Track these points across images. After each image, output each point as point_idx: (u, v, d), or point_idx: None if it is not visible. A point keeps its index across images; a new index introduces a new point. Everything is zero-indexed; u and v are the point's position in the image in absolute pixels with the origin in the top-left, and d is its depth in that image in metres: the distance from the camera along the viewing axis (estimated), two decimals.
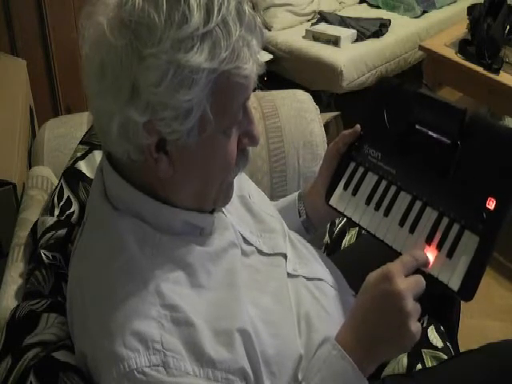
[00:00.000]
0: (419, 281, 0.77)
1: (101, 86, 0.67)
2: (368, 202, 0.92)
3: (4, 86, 1.76)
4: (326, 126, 2.34)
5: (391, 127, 0.92)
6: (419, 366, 0.98)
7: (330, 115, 2.53)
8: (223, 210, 0.83)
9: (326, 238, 1.22)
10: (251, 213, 0.90)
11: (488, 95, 2.23)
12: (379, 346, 0.77)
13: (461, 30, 2.41)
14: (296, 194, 1.05)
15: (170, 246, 0.73)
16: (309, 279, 0.87)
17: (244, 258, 0.81)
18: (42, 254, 0.93)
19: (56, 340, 0.80)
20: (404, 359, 0.98)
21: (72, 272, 0.80)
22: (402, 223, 0.87)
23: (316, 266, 0.92)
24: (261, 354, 0.73)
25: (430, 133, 0.87)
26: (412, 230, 0.86)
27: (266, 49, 2.80)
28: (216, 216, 0.80)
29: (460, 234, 0.81)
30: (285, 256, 0.87)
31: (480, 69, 2.17)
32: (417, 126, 0.88)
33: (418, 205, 0.86)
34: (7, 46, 2.08)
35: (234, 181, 0.81)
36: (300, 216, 1.02)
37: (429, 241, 0.83)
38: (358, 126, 0.96)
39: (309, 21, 2.97)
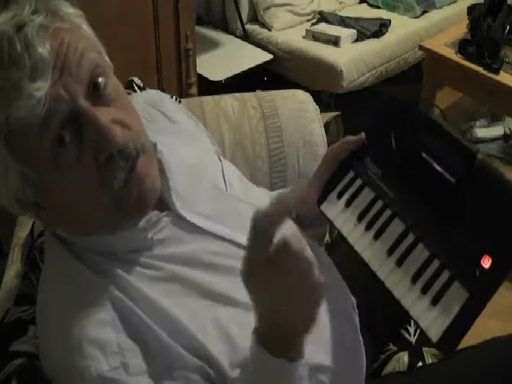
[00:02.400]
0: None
1: None
2: (360, 218, 0.87)
3: None
4: (326, 126, 2.33)
5: (397, 148, 0.87)
6: (420, 365, 0.98)
7: (330, 115, 2.53)
8: (185, 215, 0.78)
9: (327, 238, 1.22)
10: (227, 204, 0.86)
11: (488, 95, 2.23)
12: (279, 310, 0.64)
13: (461, 30, 2.41)
14: (288, 189, 1.02)
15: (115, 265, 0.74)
16: None
17: (217, 258, 0.78)
18: (37, 257, 0.93)
19: None
20: (405, 357, 0.98)
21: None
22: (390, 252, 0.81)
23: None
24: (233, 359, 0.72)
25: (435, 165, 0.81)
26: (399, 263, 0.80)
27: (266, 49, 2.80)
28: (165, 228, 0.77)
29: (449, 283, 0.75)
30: None
31: (480, 69, 2.17)
32: (423, 154, 0.82)
33: (410, 238, 0.81)
34: None
35: (205, 174, 0.80)
36: (290, 214, 0.99)
37: (414, 281, 0.77)
38: (362, 135, 0.92)
39: (309, 21, 2.97)
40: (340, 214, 0.90)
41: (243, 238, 0.80)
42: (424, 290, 0.76)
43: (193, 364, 0.69)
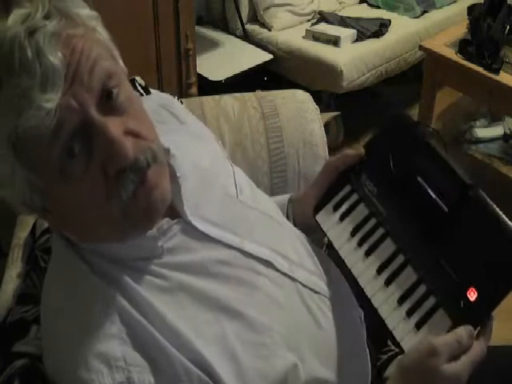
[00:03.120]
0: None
1: None
2: (353, 233, 0.88)
3: None
4: (326, 125, 2.34)
5: (394, 168, 0.87)
6: None
7: (329, 115, 2.53)
8: (195, 223, 0.77)
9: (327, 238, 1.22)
10: (237, 211, 0.85)
11: (488, 95, 2.23)
12: None
13: (461, 30, 2.41)
14: (287, 197, 1.02)
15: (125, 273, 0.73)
16: (305, 286, 0.83)
17: (225, 268, 0.77)
18: (39, 257, 0.93)
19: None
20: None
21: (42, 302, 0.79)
22: (379, 271, 0.82)
23: (318, 277, 0.87)
24: (237, 377, 0.71)
25: (430, 191, 0.82)
26: (387, 283, 0.81)
27: (266, 49, 2.80)
28: (173, 233, 0.75)
29: (434, 309, 0.75)
30: (269, 263, 0.81)
31: (480, 69, 2.17)
32: (418, 178, 0.83)
33: (400, 259, 0.81)
34: None
35: (217, 179, 0.80)
36: (288, 220, 0.98)
37: (401, 302, 0.78)
38: (361, 150, 0.92)
39: (309, 21, 2.97)
40: (334, 227, 0.91)
41: (251, 247, 0.80)
42: (409, 313, 0.76)
43: (198, 378, 0.68)
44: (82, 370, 0.66)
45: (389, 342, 1.00)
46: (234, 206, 0.85)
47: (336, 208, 0.92)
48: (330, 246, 1.21)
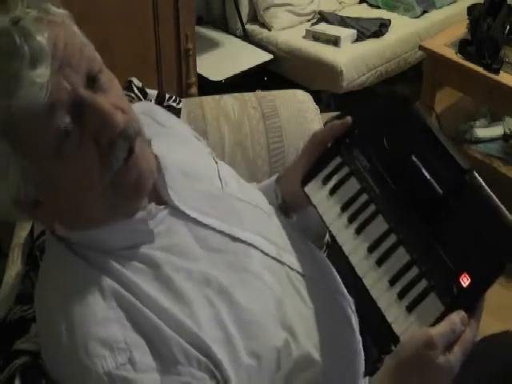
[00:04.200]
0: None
1: None
2: (344, 208, 0.85)
3: None
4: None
5: (388, 146, 0.85)
6: None
7: (329, 115, 2.53)
8: (183, 208, 0.79)
9: (327, 237, 1.22)
10: (223, 202, 0.87)
11: (488, 95, 2.23)
12: None
13: (461, 29, 2.41)
14: (273, 178, 1.02)
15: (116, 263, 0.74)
16: (292, 269, 0.85)
17: (215, 253, 0.79)
18: (38, 257, 0.93)
19: None
20: None
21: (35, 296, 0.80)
22: (370, 250, 0.80)
23: (305, 262, 0.89)
24: (232, 358, 0.72)
25: (424, 172, 0.80)
26: (379, 263, 0.79)
27: (266, 49, 2.81)
28: (158, 219, 0.78)
29: (426, 293, 0.74)
30: (257, 248, 0.83)
31: (480, 69, 2.17)
32: (413, 158, 0.81)
33: (392, 238, 0.79)
34: None
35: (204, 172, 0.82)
36: (277, 199, 0.98)
37: (392, 283, 0.76)
38: (349, 119, 0.89)
39: (309, 21, 2.98)
40: (324, 200, 0.88)
41: (241, 234, 0.82)
42: (401, 295, 0.75)
43: (196, 360, 0.69)
44: (83, 355, 0.67)
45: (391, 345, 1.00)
46: (219, 196, 0.87)
47: (326, 181, 0.89)
48: (329, 246, 1.21)
